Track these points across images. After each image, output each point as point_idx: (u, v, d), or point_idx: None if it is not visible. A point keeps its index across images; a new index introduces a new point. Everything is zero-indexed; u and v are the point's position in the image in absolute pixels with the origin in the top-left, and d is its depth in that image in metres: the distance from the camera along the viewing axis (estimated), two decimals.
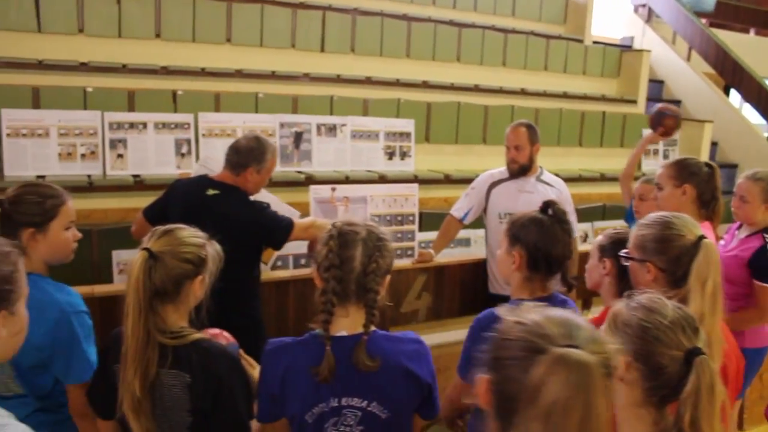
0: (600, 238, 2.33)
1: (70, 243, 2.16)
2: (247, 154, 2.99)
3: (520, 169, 3.85)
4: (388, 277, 1.79)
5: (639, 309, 1.49)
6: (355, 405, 1.72)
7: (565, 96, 7.55)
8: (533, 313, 1.13)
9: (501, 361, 1.11)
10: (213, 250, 1.86)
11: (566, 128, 7.15)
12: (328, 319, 1.69)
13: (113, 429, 1.87)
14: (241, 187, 3.02)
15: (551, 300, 2.16)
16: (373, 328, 1.74)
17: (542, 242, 2.11)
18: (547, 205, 2.19)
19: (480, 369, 1.14)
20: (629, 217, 3.88)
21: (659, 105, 4.72)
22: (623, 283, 2.19)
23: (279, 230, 3.00)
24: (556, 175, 4.07)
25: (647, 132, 7.53)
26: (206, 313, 1.86)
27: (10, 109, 4.56)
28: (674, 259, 1.91)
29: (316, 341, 1.72)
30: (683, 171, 2.80)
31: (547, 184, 3.92)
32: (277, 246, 3.07)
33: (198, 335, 1.78)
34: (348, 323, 1.72)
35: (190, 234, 1.81)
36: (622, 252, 2.07)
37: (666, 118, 4.26)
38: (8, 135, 4.52)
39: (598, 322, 2.23)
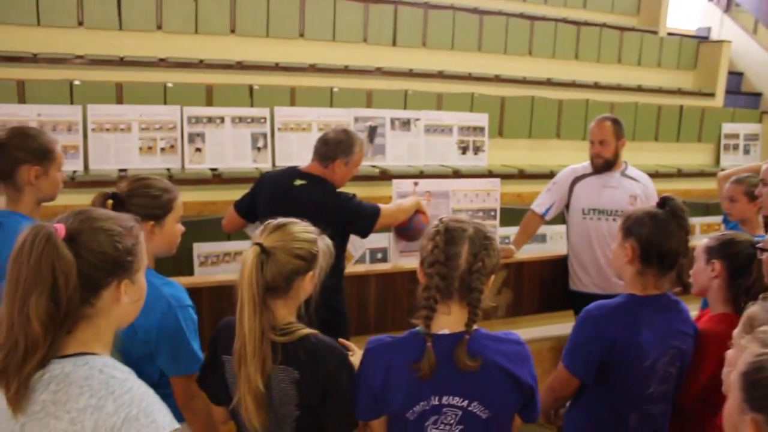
0: (707, 240, 2.26)
1: (179, 236, 2.24)
2: (336, 146, 3.00)
3: (604, 164, 3.76)
4: (493, 277, 1.75)
5: None
6: (456, 404, 1.69)
7: (639, 89, 7.34)
8: None
9: None
10: (324, 245, 1.83)
11: (642, 122, 6.95)
12: (430, 315, 1.67)
13: (225, 415, 1.89)
14: (329, 179, 3.02)
15: (662, 299, 2.12)
16: (475, 327, 1.71)
17: (655, 236, 2.07)
18: (664, 200, 2.13)
19: (745, 409, 1.00)
20: (725, 219, 3.76)
21: None
22: (735, 286, 2.12)
23: (365, 217, 3.01)
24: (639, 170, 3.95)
25: (726, 127, 7.34)
26: (315, 309, 1.85)
27: (95, 104, 4.69)
28: None
29: (418, 339, 1.70)
30: None
31: (632, 179, 3.82)
32: (365, 233, 3.06)
33: (306, 331, 1.76)
34: (450, 321, 1.70)
35: (302, 229, 1.79)
36: (760, 244, 2.01)
37: None
38: (93, 130, 4.66)
39: (704, 327, 2.16)
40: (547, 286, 4.03)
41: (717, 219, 5.56)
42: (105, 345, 1.36)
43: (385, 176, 5.04)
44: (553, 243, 5.05)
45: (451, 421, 1.70)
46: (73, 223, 1.31)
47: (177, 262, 4.30)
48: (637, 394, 2.10)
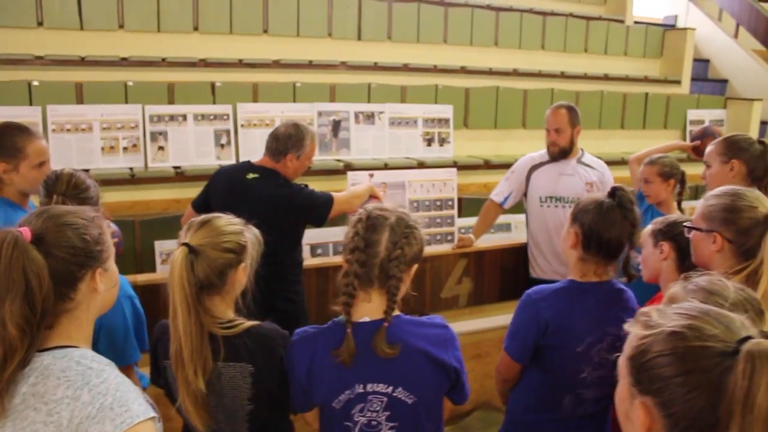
0: (651, 225, 2.28)
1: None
2: (286, 141, 3.02)
3: (560, 152, 3.79)
4: (415, 266, 1.77)
5: (698, 291, 1.41)
6: (381, 391, 1.71)
7: (606, 78, 7.40)
8: (669, 317, 0.99)
9: (669, 381, 0.95)
10: (251, 235, 1.84)
11: (608, 111, 7.01)
12: (349, 302, 1.69)
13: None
14: (281, 173, 3.04)
15: (603, 286, 2.14)
16: (397, 313, 1.73)
17: (597, 224, 2.09)
18: (614, 190, 2.15)
19: (635, 393, 1.00)
20: (639, 200, 3.84)
21: (711, 127, 4.55)
22: (684, 266, 2.13)
23: (319, 206, 3.03)
24: (598, 158, 3.99)
25: (691, 113, 7.43)
26: (252, 300, 1.86)
27: (55, 105, 4.67)
28: (744, 231, 1.87)
29: (339, 327, 1.72)
30: (731, 147, 2.72)
31: (588, 166, 3.85)
32: (320, 221, 3.08)
33: (249, 323, 1.77)
34: (371, 309, 1.72)
35: (227, 222, 1.79)
36: (687, 223, 2.03)
37: (708, 138, 4.14)
38: (53, 130, 4.63)
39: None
40: (507, 274, 4.06)
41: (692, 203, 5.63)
42: (86, 336, 1.39)
43: (350, 169, 5.04)
44: (518, 232, 5.08)
45: (377, 408, 1.72)
46: (37, 223, 1.33)
47: (139, 260, 4.30)
48: (571, 377, 2.14)
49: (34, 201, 2.64)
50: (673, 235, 2.18)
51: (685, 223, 2.06)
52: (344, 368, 1.68)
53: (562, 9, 7.76)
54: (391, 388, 1.71)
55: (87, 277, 1.36)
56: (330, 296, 3.54)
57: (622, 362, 1.03)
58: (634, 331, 1.02)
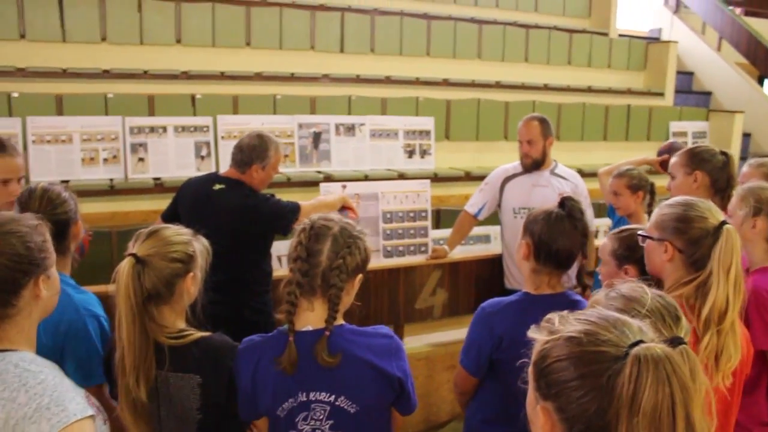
0: (609, 243, 2.27)
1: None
2: (251, 152, 3.03)
3: (533, 164, 3.81)
4: (360, 276, 1.77)
5: (618, 298, 1.44)
6: (323, 399, 1.71)
7: (589, 90, 7.47)
8: (569, 323, 1.01)
9: (565, 385, 0.97)
10: (200, 245, 1.85)
11: (590, 123, 7.07)
12: (291, 311, 1.69)
13: None
14: (247, 183, 3.06)
15: (557, 298, 2.13)
16: (340, 322, 1.74)
17: (546, 235, 2.08)
18: (564, 200, 2.16)
19: (538, 398, 1.02)
20: (611, 213, 3.86)
21: (677, 142, 4.57)
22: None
23: (284, 215, 3.03)
24: (579, 170, 4.02)
25: (674, 125, 7.49)
26: (201, 310, 1.86)
27: (35, 116, 4.69)
28: (693, 241, 1.87)
29: (283, 336, 1.72)
30: (694, 158, 2.75)
31: (562, 177, 3.87)
32: (286, 231, 3.07)
33: (199, 334, 1.78)
34: (313, 318, 1.72)
35: (175, 232, 1.80)
36: (641, 231, 2.05)
37: (675, 152, 4.19)
38: (33, 142, 4.65)
39: None
40: (482, 285, 4.06)
41: None
42: (28, 340, 1.41)
43: (331, 181, 5.07)
44: (497, 243, 5.10)
45: (321, 417, 1.71)
46: None
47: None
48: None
49: None
50: (636, 258, 2.19)
51: (639, 232, 2.07)
52: (287, 376, 1.68)
53: (546, 22, 7.83)
54: (333, 396, 1.71)
55: (30, 284, 1.39)
56: None
57: (530, 369, 1.04)
58: (538, 337, 1.04)
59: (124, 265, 1.68)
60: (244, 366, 1.74)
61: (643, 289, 1.45)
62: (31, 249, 1.39)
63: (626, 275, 2.17)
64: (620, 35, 8.45)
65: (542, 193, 3.78)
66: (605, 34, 8.19)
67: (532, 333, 1.06)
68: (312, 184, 5.18)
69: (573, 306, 2.16)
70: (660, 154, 4.11)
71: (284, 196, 5.13)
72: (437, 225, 4.81)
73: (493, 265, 4.07)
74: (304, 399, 1.70)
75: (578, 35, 7.78)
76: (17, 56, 5.05)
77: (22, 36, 5.14)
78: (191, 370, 1.73)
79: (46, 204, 2.14)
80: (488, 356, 2.11)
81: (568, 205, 2.14)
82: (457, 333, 3.96)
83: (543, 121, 3.80)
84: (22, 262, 1.37)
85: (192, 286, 1.81)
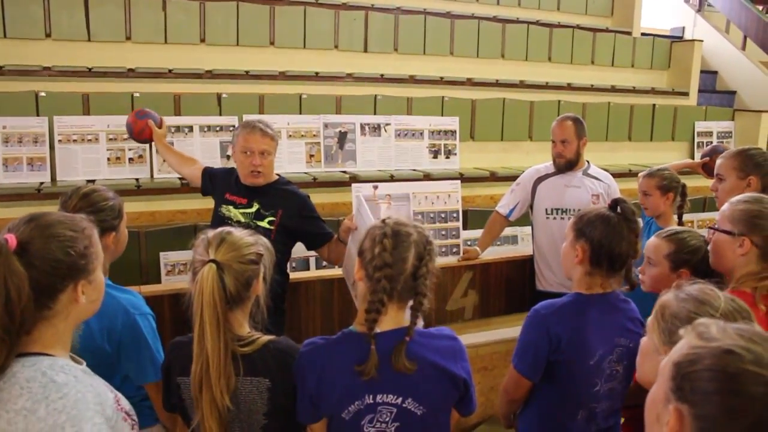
0: (664, 245, 2.28)
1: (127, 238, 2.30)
2: None
3: (566, 164, 3.77)
4: (435, 280, 1.78)
5: (689, 300, 1.44)
6: (390, 402, 1.70)
7: (613, 90, 7.39)
8: (728, 335, 0.97)
9: (712, 397, 0.93)
10: (264, 242, 1.84)
11: (614, 122, 7.01)
12: (376, 318, 1.68)
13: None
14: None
15: (609, 298, 2.13)
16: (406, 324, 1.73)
17: (606, 239, 2.07)
18: (616, 203, 2.14)
19: (671, 398, 0.99)
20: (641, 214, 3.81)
21: (721, 145, 4.51)
22: None
23: None
24: (605, 170, 3.97)
25: (699, 125, 7.40)
26: (267, 311, 1.85)
27: (62, 116, 4.69)
28: None
29: (354, 339, 1.72)
30: (748, 162, 2.72)
31: (595, 178, 3.83)
32: None
33: (266, 338, 1.77)
34: (386, 321, 1.71)
35: (242, 234, 1.80)
36: (713, 225, 2.07)
37: (717, 155, 4.13)
38: (60, 141, 4.65)
39: None
40: (514, 286, 4.03)
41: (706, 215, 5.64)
42: (63, 344, 1.38)
43: (356, 181, 5.04)
44: (525, 244, 5.06)
45: (387, 419, 1.71)
46: (24, 232, 1.32)
47: (144, 271, 4.30)
48: (584, 391, 2.11)
49: None
50: (694, 262, 2.20)
51: (712, 226, 2.07)
52: (355, 379, 1.67)
53: (569, 21, 7.77)
54: (401, 399, 1.70)
55: (69, 288, 1.36)
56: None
57: (666, 365, 1.00)
58: (687, 338, 1.00)
59: (207, 272, 1.67)
60: (308, 369, 1.72)
61: (714, 292, 1.46)
62: (71, 255, 1.36)
63: (679, 279, 2.17)
64: (643, 34, 8.37)
65: (575, 194, 3.75)
66: (628, 33, 8.11)
67: (683, 332, 1.02)
68: (338, 184, 5.16)
69: (624, 305, 2.16)
70: (702, 157, 4.05)
71: (311, 196, 5.15)
72: (465, 226, 4.77)
73: (524, 267, 4.04)
74: (371, 401, 1.70)
75: (601, 34, 7.71)
76: (44, 55, 5.05)
77: (48, 35, 5.15)
78: (260, 373, 1.72)
79: (86, 205, 2.12)
80: (546, 359, 2.09)
81: (621, 207, 2.12)
82: (487, 335, 3.92)
83: (577, 121, 3.76)
84: (60, 268, 1.34)
85: (261, 286, 1.81)
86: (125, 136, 4.74)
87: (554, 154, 3.80)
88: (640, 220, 2.33)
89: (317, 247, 3.18)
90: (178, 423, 2.01)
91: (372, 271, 1.70)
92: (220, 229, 1.80)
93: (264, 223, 2.99)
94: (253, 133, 2.97)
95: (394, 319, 1.71)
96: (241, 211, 3.02)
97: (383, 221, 1.76)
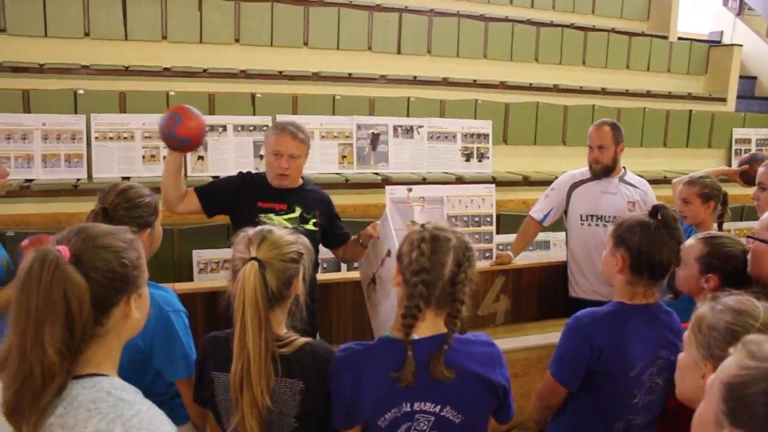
0: (696, 246, 2.21)
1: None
2: None
3: (603, 170, 3.72)
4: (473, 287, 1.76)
5: (726, 311, 1.40)
6: (428, 410, 1.68)
7: (648, 95, 7.29)
8: None
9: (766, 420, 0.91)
10: (304, 240, 1.83)
11: (650, 128, 6.91)
12: (413, 324, 1.66)
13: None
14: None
15: (652, 308, 2.08)
16: (445, 331, 1.71)
17: (646, 246, 2.02)
18: (656, 209, 2.09)
19: (724, 422, 0.95)
20: (682, 222, 3.73)
21: (759, 154, 4.42)
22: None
23: None
24: (640, 176, 3.91)
25: (737, 132, 7.27)
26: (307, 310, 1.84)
27: (99, 113, 4.75)
28: None
29: (390, 345, 1.70)
30: None
31: (631, 185, 3.77)
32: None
33: (303, 339, 1.76)
34: (423, 327, 1.69)
35: (285, 232, 1.79)
36: (752, 234, 2.02)
37: (757, 163, 4.04)
38: (96, 138, 4.71)
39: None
40: (546, 292, 3.99)
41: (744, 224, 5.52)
42: (114, 363, 1.32)
43: (388, 183, 5.03)
44: (557, 250, 5.01)
45: (424, 428, 1.69)
46: (76, 243, 1.25)
47: (177, 269, 4.33)
48: (623, 403, 2.07)
49: None
50: (724, 270, 2.13)
51: (748, 234, 2.02)
52: (392, 386, 1.65)
53: (604, 24, 7.67)
54: (439, 407, 1.68)
55: (122, 302, 1.29)
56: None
57: (715, 384, 0.97)
58: (737, 357, 0.96)
59: (249, 270, 1.65)
60: (344, 375, 1.71)
61: (752, 302, 1.41)
62: (126, 266, 1.29)
63: (706, 284, 2.14)
64: (680, 38, 8.24)
65: (611, 201, 3.70)
66: (665, 38, 7.98)
67: (733, 350, 0.98)
68: (370, 185, 5.15)
69: (667, 317, 2.11)
70: (741, 164, 3.97)
71: (343, 197, 5.17)
72: (497, 230, 4.74)
73: (557, 273, 3.99)
74: (408, 409, 1.67)
75: (637, 38, 7.61)
76: (82, 54, 5.12)
77: (87, 34, 5.22)
78: (295, 375, 1.71)
79: (123, 201, 2.13)
80: (585, 367, 2.05)
81: (661, 213, 2.07)
82: (519, 341, 3.88)
83: (615, 127, 3.71)
84: (115, 279, 1.27)
85: (300, 285, 1.79)
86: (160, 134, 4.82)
87: (590, 160, 3.75)
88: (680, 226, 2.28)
89: (336, 246, 3.17)
90: (208, 420, 2.01)
91: (409, 275, 1.68)
92: (260, 228, 1.79)
93: (309, 226, 2.96)
94: (283, 135, 2.93)
95: (432, 325, 1.69)
96: (285, 217, 2.95)
97: (422, 226, 1.74)
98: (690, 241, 2.28)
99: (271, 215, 2.92)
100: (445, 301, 1.68)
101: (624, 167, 3.83)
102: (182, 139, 2.79)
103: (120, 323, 1.30)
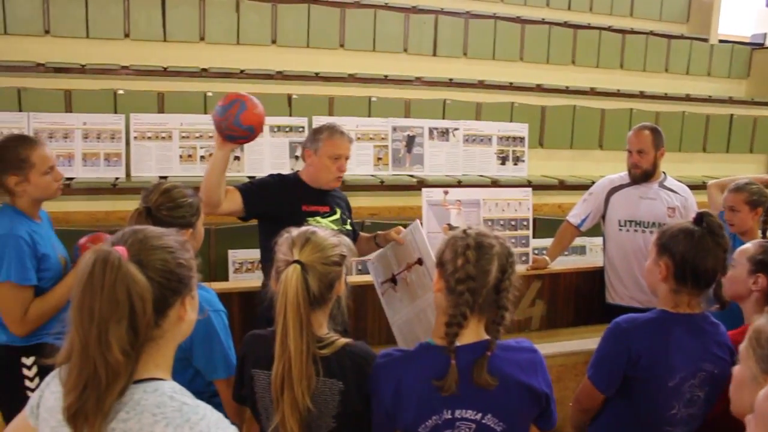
0: (751, 248, 2.18)
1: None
2: (306, 139, 3.02)
3: (642, 175, 3.66)
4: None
5: None
6: (470, 417, 1.66)
7: (687, 99, 7.16)
8: None
9: None
10: (347, 243, 1.82)
11: (689, 133, 6.80)
12: (457, 332, 1.64)
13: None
14: (301, 172, 3.00)
15: (696, 319, 2.04)
16: (486, 337, 1.69)
17: (691, 254, 1.99)
18: (701, 216, 2.05)
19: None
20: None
21: None
22: None
23: None
24: (679, 181, 3.84)
25: None
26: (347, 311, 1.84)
27: (138, 113, 4.81)
28: None
29: (432, 352, 1.68)
30: None
31: (671, 190, 3.70)
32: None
33: (343, 340, 1.75)
34: (466, 334, 1.67)
35: (328, 234, 1.78)
36: None
37: None
38: (135, 138, 4.77)
39: (736, 338, 2.08)
40: (582, 298, 3.94)
41: None
42: (168, 366, 1.32)
43: (423, 185, 5.02)
44: (593, 255, 4.96)
45: None
46: (134, 244, 1.25)
47: (212, 268, 4.37)
48: (660, 413, 2.03)
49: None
50: None
51: None
52: (433, 393, 1.63)
53: (642, 27, 7.57)
54: (480, 414, 1.65)
55: (177, 303, 1.28)
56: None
57: None
58: None
59: (292, 273, 1.65)
60: (384, 381, 1.69)
61: None
62: (182, 266, 1.28)
63: (754, 285, 2.13)
64: (721, 41, 8.08)
65: (650, 206, 3.64)
66: (705, 40, 7.84)
67: None
68: (405, 188, 5.15)
69: (713, 329, 2.06)
70: None
71: (378, 199, 5.15)
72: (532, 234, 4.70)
73: (594, 279, 3.93)
74: (449, 416, 1.65)
75: (676, 41, 7.49)
76: (122, 55, 5.21)
77: (127, 35, 5.31)
78: (335, 375, 1.70)
79: (166, 200, 2.15)
80: (622, 373, 2.02)
81: (706, 220, 2.03)
82: (554, 346, 3.83)
83: (655, 131, 3.65)
84: (172, 280, 1.25)
85: (343, 288, 1.79)
86: (197, 134, 4.87)
87: (630, 164, 3.69)
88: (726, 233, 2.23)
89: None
90: (245, 418, 2.02)
91: (454, 283, 1.65)
92: (304, 229, 1.78)
93: (348, 227, 2.96)
94: (342, 139, 2.91)
95: (474, 332, 1.67)
96: (330, 219, 2.91)
97: (464, 232, 1.71)
98: (745, 245, 2.25)
99: (318, 218, 2.87)
100: (489, 307, 1.66)
101: (664, 172, 3.76)
102: (247, 127, 2.61)
103: (175, 325, 1.30)
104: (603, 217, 3.78)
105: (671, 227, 2.10)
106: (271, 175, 3.02)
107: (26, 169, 2.43)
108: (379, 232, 2.96)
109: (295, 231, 1.77)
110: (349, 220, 3.01)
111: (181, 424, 1.17)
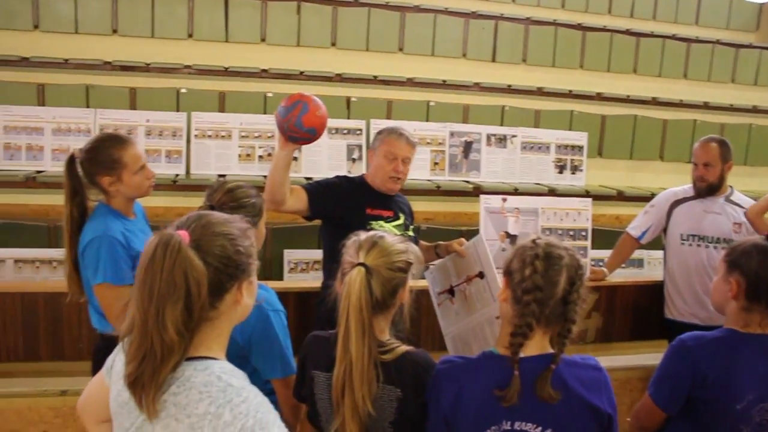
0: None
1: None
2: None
3: (708, 188, 3.56)
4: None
5: None
6: (529, 430, 1.63)
7: (755, 110, 6.94)
8: None
9: None
10: (414, 250, 1.81)
11: (756, 145, 6.60)
12: (522, 343, 1.62)
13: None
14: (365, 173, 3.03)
15: None
16: (551, 351, 1.66)
17: (764, 271, 1.94)
18: None
19: None
20: None
21: None
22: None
23: None
24: (746, 196, 3.72)
25: None
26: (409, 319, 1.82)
27: (199, 112, 4.91)
28: None
29: (494, 362, 1.66)
30: None
31: (738, 205, 3.59)
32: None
33: (404, 347, 1.74)
34: (531, 345, 1.64)
35: (396, 240, 1.78)
36: None
37: None
38: (196, 136, 4.86)
39: None
40: (640, 312, 3.85)
41: None
42: (222, 347, 1.37)
43: (480, 192, 4.99)
44: (651, 268, 4.85)
45: None
46: (196, 229, 1.31)
47: (268, 267, 4.41)
48: None
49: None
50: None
51: None
52: (494, 403, 1.61)
53: (708, 36, 7.35)
54: (540, 428, 1.62)
55: (234, 288, 1.33)
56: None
57: None
58: None
59: (356, 275, 1.65)
60: (444, 388, 1.68)
61: None
62: (240, 253, 1.33)
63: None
64: None
65: (715, 221, 3.53)
66: None
67: None
68: (461, 193, 5.12)
69: None
70: None
71: (433, 204, 5.13)
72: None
73: (653, 293, 3.84)
74: (508, 428, 1.62)
75: (744, 50, 7.27)
76: (185, 54, 5.32)
77: (190, 35, 5.41)
78: (393, 382, 1.69)
79: (230, 200, 2.18)
80: (686, 393, 1.96)
81: None
82: (609, 360, 3.76)
83: (723, 144, 3.55)
84: (230, 265, 1.31)
85: (407, 295, 1.78)
86: (257, 134, 4.93)
87: (695, 177, 3.60)
88: None
89: None
90: (300, 419, 2.02)
91: (521, 293, 1.63)
92: (372, 233, 1.79)
93: (410, 233, 2.95)
94: (399, 139, 2.90)
95: (539, 344, 1.64)
96: (393, 224, 2.89)
97: (533, 242, 1.68)
98: None
99: (382, 222, 2.85)
100: (555, 319, 1.63)
101: (731, 186, 3.65)
102: (309, 129, 2.58)
103: (231, 308, 1.35)
104: (664, 230, 3.69)
105: (743, 243, 2.04)
106: (337, 177, 3.03)
107: (119, 169, 2.47)
108: (440, 242, 2.92)
109: (363, 234, 1.78)
110: (411, 227, 2.99)
111: (223, 404, 1.22)
